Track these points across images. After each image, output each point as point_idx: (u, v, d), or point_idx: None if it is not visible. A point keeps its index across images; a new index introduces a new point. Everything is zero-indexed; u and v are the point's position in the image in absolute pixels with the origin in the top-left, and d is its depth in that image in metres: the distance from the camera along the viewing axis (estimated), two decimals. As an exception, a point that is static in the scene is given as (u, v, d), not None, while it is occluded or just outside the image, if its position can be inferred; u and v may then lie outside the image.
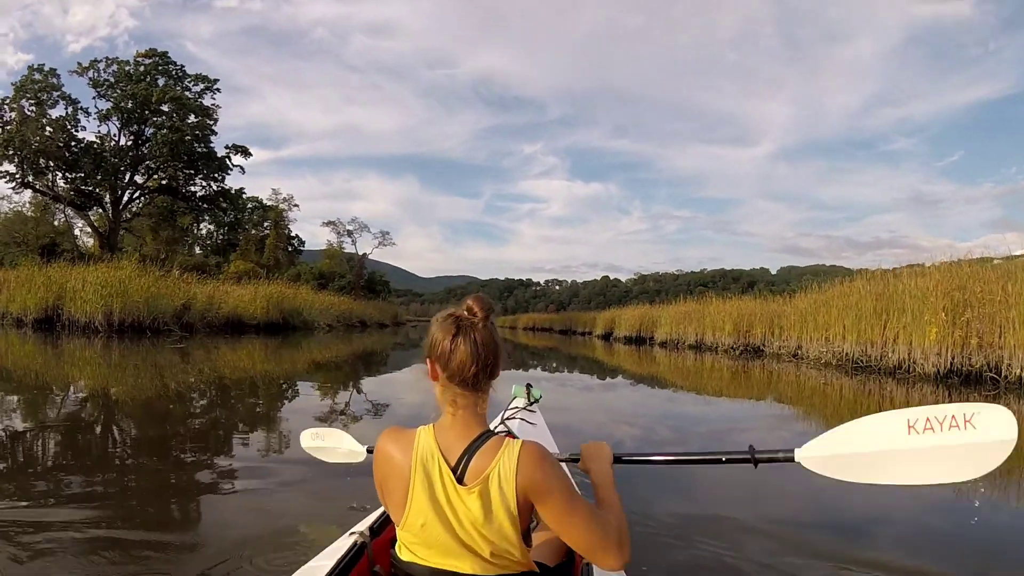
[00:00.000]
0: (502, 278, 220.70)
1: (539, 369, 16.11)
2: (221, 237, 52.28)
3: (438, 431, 1.47)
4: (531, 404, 3.79)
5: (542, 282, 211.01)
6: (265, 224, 54.65)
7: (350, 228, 62.26)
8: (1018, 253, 14.01)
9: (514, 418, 3.32)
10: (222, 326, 19.43)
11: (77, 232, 41.63)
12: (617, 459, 1.78)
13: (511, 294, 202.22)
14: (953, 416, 1.44)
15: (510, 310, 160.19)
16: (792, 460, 1.68)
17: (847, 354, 14.12)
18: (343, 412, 7.35)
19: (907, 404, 7.94)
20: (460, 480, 1.41)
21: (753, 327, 20.21)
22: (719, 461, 1.81)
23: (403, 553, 1.50)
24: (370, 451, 2.29)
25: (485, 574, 1.43)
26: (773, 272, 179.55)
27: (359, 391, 10.05)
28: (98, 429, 5.77)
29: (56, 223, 40.13)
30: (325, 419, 6.62)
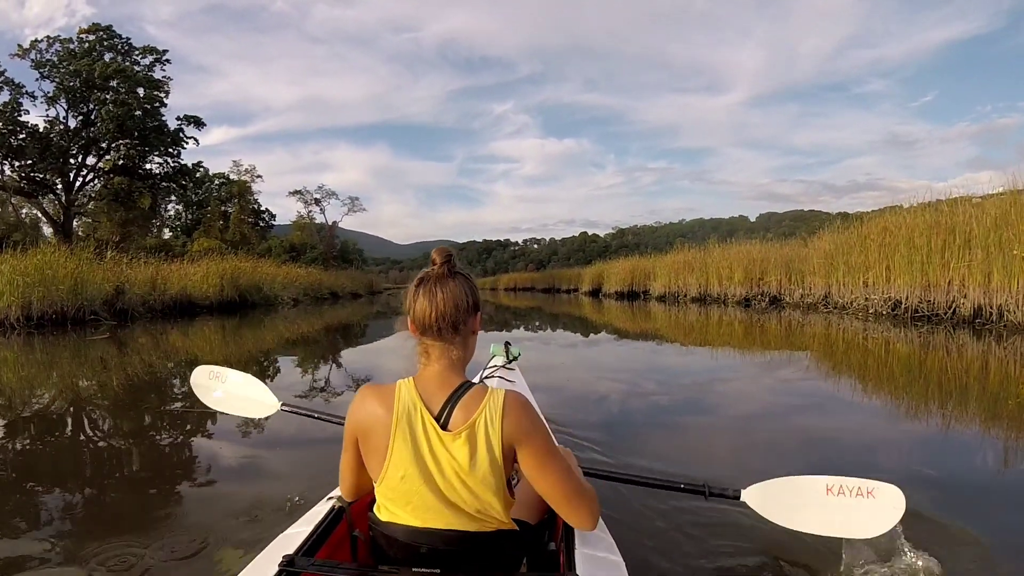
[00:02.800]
0: (480, 240, 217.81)
1: (522, 329, 15.60)
2: (190, 217, 50.44)
3: (418, 382, 1.49)
4: (510, 363, 3.92)
5: (520, 242, 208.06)
6: (233, 200, 51.65)
7: (317, 196, 59.75)
8: (995, 191, 12.66)
9: (493, 376, 3.45)
10: (169, 309, 17.07)
11: (35, 220, 38.99)
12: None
13: (490, 255, 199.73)
14: (859, 487, 1.93)
15: (490, 271, 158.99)
16: (738, 499, 2.04)
17: (898, 300, 12.00)
18: (323, 389, 6.61)
19: (1003, 365, 7.01)
20: (444, 427, 1.43)
21: (767, 274, 18.10)
22: (676, 489, 2.16)
23: (382, 513, 1.50)
24: (285, 407, 2.58)
25: (465, 530, 1.44)
26: (752, 219, 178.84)
27: (338, 364, 9.22)
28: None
29: (12, 213, 37.26)
30: (305, 395, 6.06)
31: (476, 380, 2.77)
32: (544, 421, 1.58)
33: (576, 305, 27.12)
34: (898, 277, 12.20)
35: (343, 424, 1.67)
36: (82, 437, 4.67)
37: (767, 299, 17.82)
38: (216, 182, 51.90)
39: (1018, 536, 2.66)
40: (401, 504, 1.45)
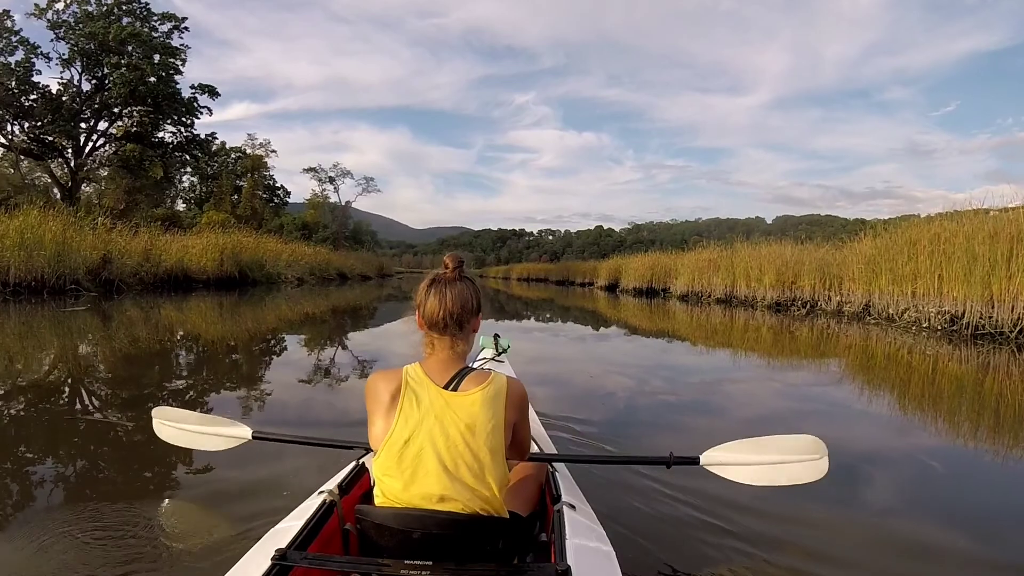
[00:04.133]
0: (495, 228, 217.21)
1: (532, 320, 15.37)
2: (204, 189, 49.65)
3: (424, 366, 1.63)
4: (499, 354, 4.14)
5: (535, 232, 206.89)
6: (247, 174, 50.88)
7: (331, 175, 58.33)
8: (1014, 205, 11.96)
9: (484, 368, 2.97)
10: (163, 283, 16.10)
11: (48, 186, 37.94)
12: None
13: (504, 244, 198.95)
14: (790, 442, 2.31)
15: (503, 260, 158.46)
16: (698, 463, 2.33)
17: (956, 314, 10.80)
18: (328, 373, 6.61)
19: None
20: (454, 391, 1.57)
21: (800, 278, 16.87)
22: (643, 462, 2.74)
23: (377, 497, 1.57)
24: (257, 435, 2.54)
25: (460, 511, 1.48)
26: (769, 221, 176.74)
27: (344, 347, 9.08)
28: None
29: (17, 176, 36.44)
30: (309, 381, 6.08)
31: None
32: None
33: (591, 299, 26.19)
34: (953, 288, 11.00)
35: (319, 445, 2.38)
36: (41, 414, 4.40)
37: (803, 305, 16.59)
38: (233, 156, 50.96)
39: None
40: (400, 473, 1.51)
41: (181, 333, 9.53)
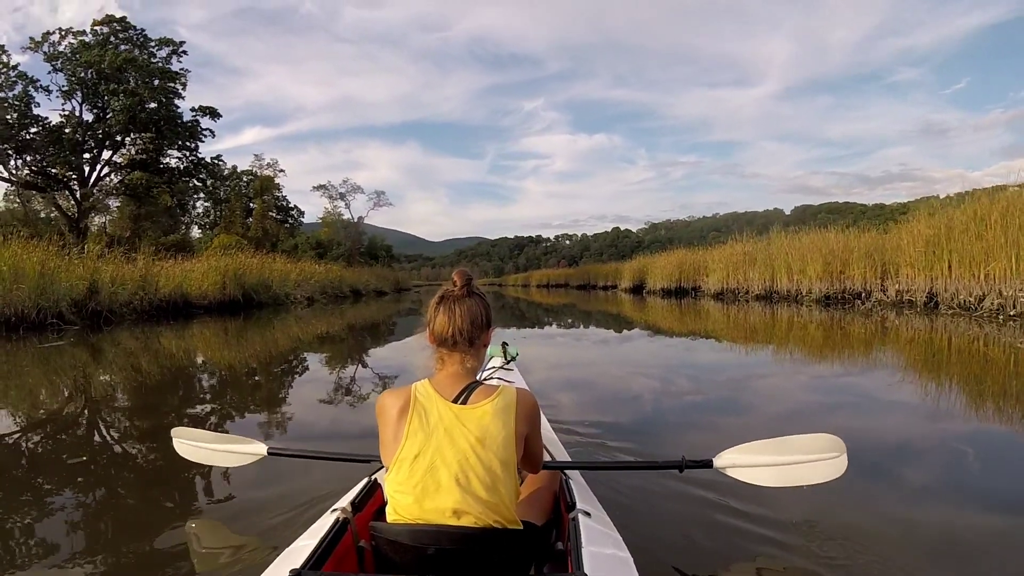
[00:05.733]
0: (511, 236, 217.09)
1: (555, 326, 15.14)
2: (218, 214, 49.00)
3: (433, 382, 1.62)
4: (508, 363, 4.14)
5: (552, 238, 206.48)
6: (257, 196, 50.21)
7: (342, 191, 57.18)
8: None
9: (492, 378, 3.48)
10: (161, 310, 15.04)
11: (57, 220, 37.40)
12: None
13: (521, 251, 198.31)
14: (808, 440, 2.20)
15: (521, 268, 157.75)
16: (711, 467, 2.27)
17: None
18: (342, 390, 6.37)
19: None
20: (463, 404, 1.56)
21: (848, 266, 15.39)
22: (655, 467, 2.49)
23: (389, 514, 1.55)
24: (272, 451, 2.54)
25: (473, 526, 1.46)
26: (787, 212, 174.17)
27: (358, 364, 8.64)
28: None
29: (20, 209, 35.85)
30: (323, 399, 5.79)
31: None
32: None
33: (615, 302, 24.95)
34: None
35: (334, 460, 2.38)
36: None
37: (855, 296, 15.09)
38: (244, 179, 50.32)
39: None
40: (411, 488, 1.49)
41: (181, 361, 8.77)
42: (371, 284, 37.00)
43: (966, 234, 11.78)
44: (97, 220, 36.73)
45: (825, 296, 15.91)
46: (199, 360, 9.02)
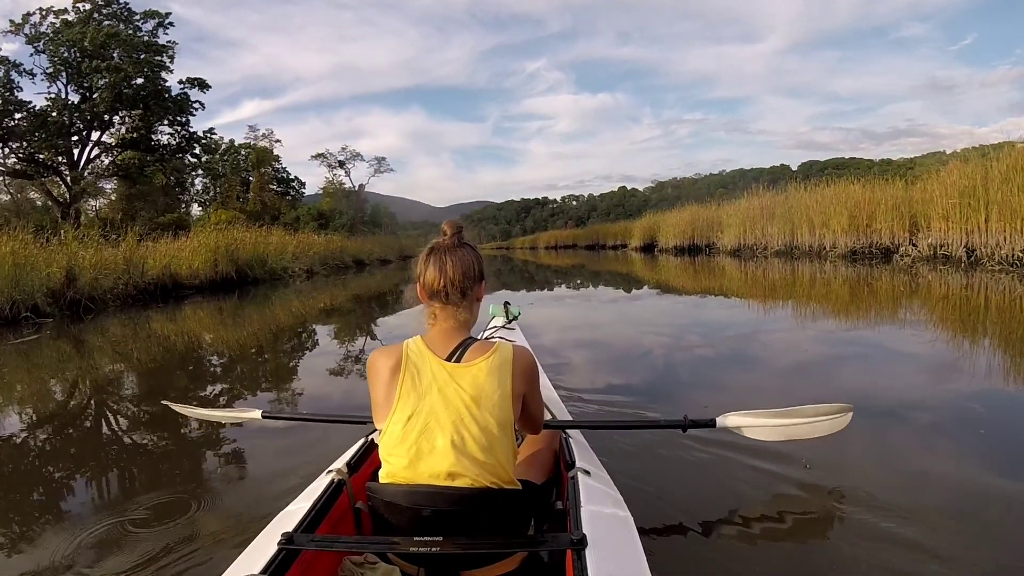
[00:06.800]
0: (518, 199, 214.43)
1: (564, 287, 14.77)
2: (217, 190, 47.73)
3: (426, 339, 1.56)
4: (510, 322, 3.99)
5: (558, 199, 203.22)
6: (260, 169, 49.15)
7: (341, 159, 55.98)
8: None
9: (493, 337, 3.28)
10: (148, 294, 14.25)
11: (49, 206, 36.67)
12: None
13: (528, 214, 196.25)
14: (815, 408, 2.24)
15: (529, 230, 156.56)
16: (715, 426, 2.30)
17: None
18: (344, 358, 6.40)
19: None
20: (457, 362, 1.49)
21: (874, 220, 14.41)
22: (658, 426, 2.62)
23: (383, 477, 1.50)
24: (266, 415, 2.58)
25: (469, 486, 1.42)
26: (794, 168, 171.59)
27: (360, 333, 8.62)
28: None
29: (15, 198, 35.20)
30: (323, 369, 5.83)
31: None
32: (540, 378, 1.78)
33: (625, 262, 24.48)
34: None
35: (328, 422, 2.45)
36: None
37: (883, 252, 14.13)
38: (243, 152, 48.92)
39: None
40: (405, 451, 1.44)
41: (174, 343, 8.50)
42: (375, 253, 36.15)
43: (1007, 185, 10.82)
44: (93, 204, 36.20)
45: (852, 251, 14.95)
46: (193, 341, 8.67)
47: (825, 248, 15.93)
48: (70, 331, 10.01)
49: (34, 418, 4.78)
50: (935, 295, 8.58)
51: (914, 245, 13.44)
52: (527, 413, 1.62)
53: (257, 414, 2.56)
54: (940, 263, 12.23)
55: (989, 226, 11.23)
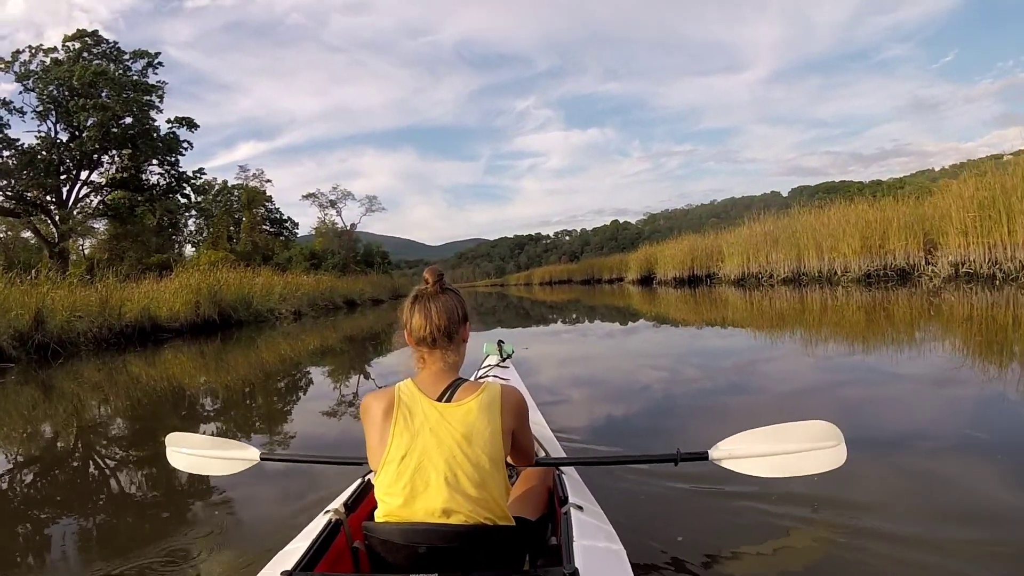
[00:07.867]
0: (511, 235, 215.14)
1: (559, 323, 14.61)
2: (210, 230, 46.78)
3: (416, 381, 1.58)
4: (504, 360, 4.05)
5: (551, 235, 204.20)
6: (251, 210, 48.70)
7: (332, 198, 55.63)
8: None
9: (487, 376, 3.46)
10: (126, 337, 13.51)
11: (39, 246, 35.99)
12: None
13: (522, 250, 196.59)
14: (803, 428, 2.04)
15: (523, 266, 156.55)
16: (707, 459, 2.13)
17: None
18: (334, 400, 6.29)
19: None
20: (447, 402, 1.52)
21: (887, 239, 13.76)
22: (649, 461, 2.49)
23: (379, 517, 1.51)
24: (265, 457, 2.50)
25: (464, 523, 1.42)
26: (785, 194, 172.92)
27: (351, 374, 8.54)
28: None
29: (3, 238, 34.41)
30: (316, 411, 5.70)
31: (471, 379, 2.17)
32: (530, 416, 1.78)
33: (622, 296, 23.85)
34: None
35: (325, 463, 2.39)
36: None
37: (899, 273, 13.44)
38: (235, 192, 48.56)
39: None
40: (400, 490, 1.45)
41: (156, 387, 8.15)
42: (366, 293, 35.34)
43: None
44: (82, 244, 35.39)
45: (866, 274, 14.25)
46: (175, 385, 8.32)
47: (836, 272, 15.23)
48: (38, 376, 9.37)
49: (10, 465, 4.58)
50: (957, 316, 8.11)
51: (930, 264, 12.78)
52: (517, 447, 1.67)
53: (255, 455, 2.52)
54: (963, 281, 11.56)
55: (1013, 239, 10.60)
